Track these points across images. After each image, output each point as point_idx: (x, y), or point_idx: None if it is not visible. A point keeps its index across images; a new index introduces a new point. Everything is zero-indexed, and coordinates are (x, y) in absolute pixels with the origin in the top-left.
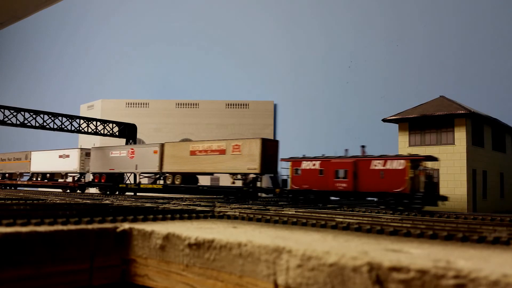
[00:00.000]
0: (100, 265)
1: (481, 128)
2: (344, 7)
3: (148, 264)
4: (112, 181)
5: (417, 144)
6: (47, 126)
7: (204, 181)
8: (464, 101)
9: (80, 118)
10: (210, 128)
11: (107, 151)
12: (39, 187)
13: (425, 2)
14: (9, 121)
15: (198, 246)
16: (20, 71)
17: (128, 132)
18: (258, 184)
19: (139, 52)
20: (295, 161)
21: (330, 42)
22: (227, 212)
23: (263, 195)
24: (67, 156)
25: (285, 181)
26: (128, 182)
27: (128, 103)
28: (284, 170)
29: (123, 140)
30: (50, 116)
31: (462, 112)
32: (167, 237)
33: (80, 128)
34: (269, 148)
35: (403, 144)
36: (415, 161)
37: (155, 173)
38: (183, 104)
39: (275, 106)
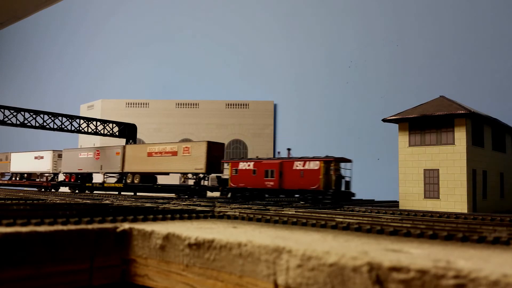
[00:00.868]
0: (100, 265)
1: (481, 128)
2: (344, 7)
3: (148, 264)
4: (81, 181)
5: (417, 144)
6: (47, 126)
7: (169, 180)
8: (464, 101)
9: (80, 118)
10: (210, 128)
11: (77, 153)
12: (17, 186)
13: (425, 2)
14: (9, 121)
15: (198, 246)
16: (20, 71)
17: (128, 132)
18: (206, 183)
19: (139, 52)
20: (234, 162)
21: (330, 42)
22: (227, 212)
23: (213, 193)
24: (42, 157)
25: (226, 180)
26: (97, 181)
27: (128, 103)
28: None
29: (123, 140)
30: (50, 116)
31: (462, 112)
32: (167, 237)
33: (80, 128)
34: (215, 150)
35: (403, 144)
36: (327, 162)
37: (118, 173)
38: (183, 104)
39: (275, 106)
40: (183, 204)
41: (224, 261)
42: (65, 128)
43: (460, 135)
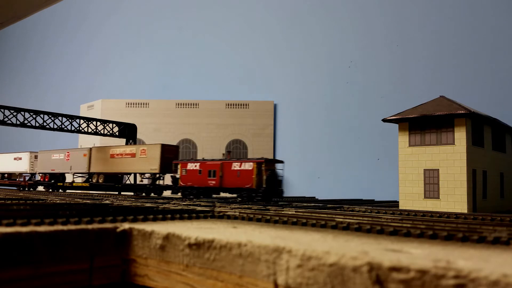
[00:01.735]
0: (100, 265)
1: (481, 128)
2: (344, 7)
3: (148, 264)
4: (54, 180)
5: (417, 144)
6: (47, 126)
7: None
8: (464, 101)
9: (80, 118)
10: (210, 128)
11: (50, 154)
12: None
13: (425, 2)
14: (9, 121)
15: (198, 246)
16: (20, 71)
17: (128, 132)
18: (162, 182)
19: (139, 52)
20: (183, 163)
21: (330, 42)
22: (227, 212)
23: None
24: (20, 158)
25: (177, 179)
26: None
27: (128, 103)
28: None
29: (123, 140)
30: (50, 116)
31: (462, 112)
32: (167, 237)
33: (80, 128)
34: (168, 152)
35: (403, 144)
36: (259, 163)
37: (85, 173)
38: (183, 104)
39: (275, 106)
40: (183, 204)
41: (224, 261)
42: (65, 128)
43: (460, 135)
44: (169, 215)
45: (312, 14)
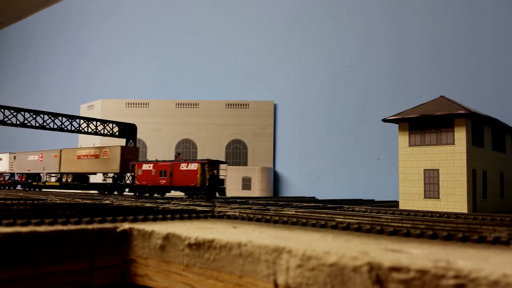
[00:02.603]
0: (100, 265)
1: (481, 128)
2: (344, 7)
3: (148, 264)
4: (30, 180)
5: (417, 144)
6: (47, 126)
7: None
8: (464, 101)
9: (80, 118)
10: (210, 128)
11: (26, 156)
12: None
13: (425, 2)
14: (9, 121)
15: (198, 246)
16: (20, 71)
17: (128, 132)
18: (123, 181)
19: (140, 52)
20: (139, 164)
21: (330, 42)
22: (227, 212)
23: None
24: (1, 159)
25: (134, 178)
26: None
27: (128, 103)
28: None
29: (123, 140)
30: (50, 116)
31: (462, 112)
32: (167, 237)
33: (80, 128)
34: (128, 153)
35: (403, 144)
36: (203, 164)
37: (57, 173)
38: (183, 104)
39: (275, 106)
40: (183, 204)
41: (224, 261)
42: (65, 128)
43: (460, 135)
44: (169, 215)
45: (312, 14)
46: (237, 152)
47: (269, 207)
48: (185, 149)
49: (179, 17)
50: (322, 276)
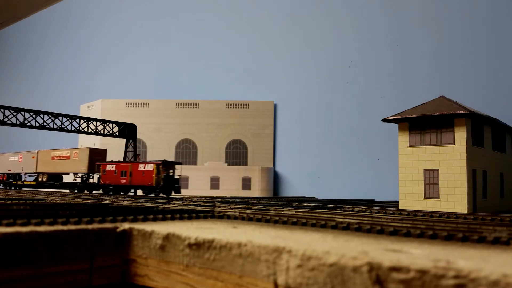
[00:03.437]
0: (100, 265)
1: (481, 128)
2: (344, 7)
3: (148, 264)
4: (11, 179)
5: (417, 144)
6: (47, 126)
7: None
8: (464, 101)
9: (80, 118)
10: (210, 128)
11: (7, 156)
12: None
13: (425, 2)
14: (9, 121)
15: (198, 246)
16: (20, 71)
17: (128, 132)
18: (91, 181)
19: (140, 52)
20: (103, 164)
21: (330, 42)
22: (227, 212)
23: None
24: None
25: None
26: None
27: (128, 103)
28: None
29: (123, 140)
30: (50, 116)
31: (462, 112)
32: (167, 237)
33: (80, 128)
34: (96, 155)
35: (403, 144)
36: (158, 164)
37: (34, 173)
38: (183, 104)
39: (275, 106)
40: (183, 204)
41: (224, 261)
42: (65, 128)
43: (460, 135)
44: (169, 215)
45: (312, 14)
46: (237, 152)
47: (269, 207)
48: (185, 149)
49: (179, 17)
50: (322, 276)
